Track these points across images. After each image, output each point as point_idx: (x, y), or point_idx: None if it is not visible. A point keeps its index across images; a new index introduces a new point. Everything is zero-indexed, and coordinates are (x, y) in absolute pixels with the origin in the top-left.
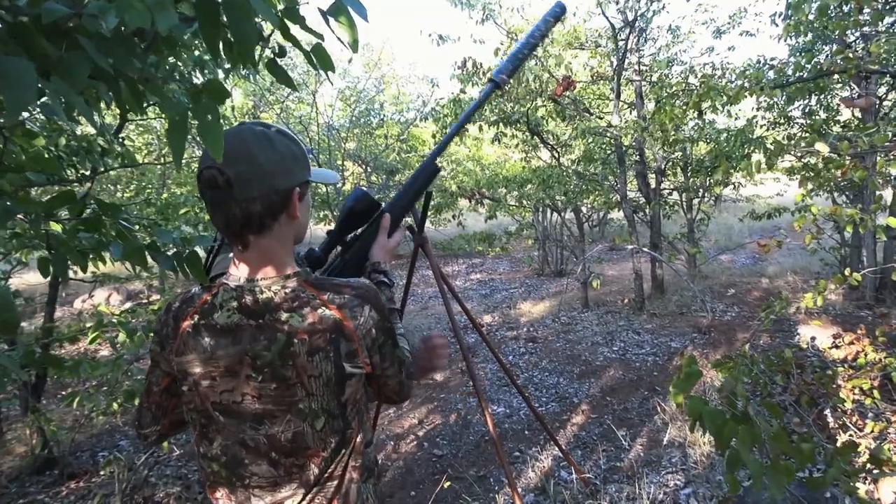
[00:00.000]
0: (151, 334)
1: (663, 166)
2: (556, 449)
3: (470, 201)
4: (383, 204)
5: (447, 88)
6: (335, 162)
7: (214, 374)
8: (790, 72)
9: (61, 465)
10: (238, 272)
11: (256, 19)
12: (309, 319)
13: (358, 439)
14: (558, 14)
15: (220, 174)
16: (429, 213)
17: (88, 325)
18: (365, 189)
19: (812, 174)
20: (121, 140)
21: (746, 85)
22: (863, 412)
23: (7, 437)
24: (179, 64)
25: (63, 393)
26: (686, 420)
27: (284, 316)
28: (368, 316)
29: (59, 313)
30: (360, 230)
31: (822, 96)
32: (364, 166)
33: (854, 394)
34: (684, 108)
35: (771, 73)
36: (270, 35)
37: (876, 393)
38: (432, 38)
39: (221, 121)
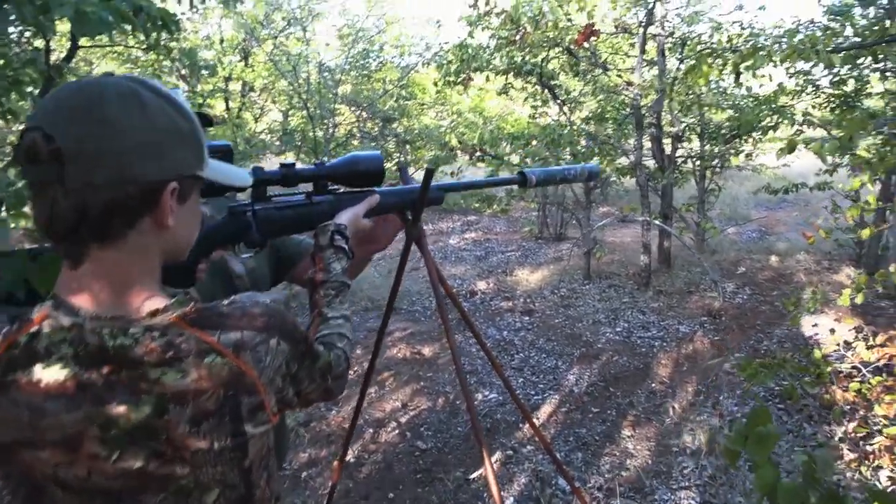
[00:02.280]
0: None
1: (681, 132)
2: (554, 450)
3: (471, 157)
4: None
5: (453, 31)
6: (327, 106)
7: (41, 446)
8: (844, 36)
9: None
10: (75, 300)
11: None
12: (192, 375)
13: (266, 496)
14: (593, 174)
15: (44, 140)
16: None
17: None
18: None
19: (876, 160)
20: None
21: (800, 47)
22: None
23: None
24: None
25: None
26: (700, 425)
27: (153, 372)
28: (277, 351)
29: None
30: (340, 189)
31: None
32: (360, 112)
33: (892, 409)
34: (721, 69)
35: (798, 37)
36: None
37: None
38: None
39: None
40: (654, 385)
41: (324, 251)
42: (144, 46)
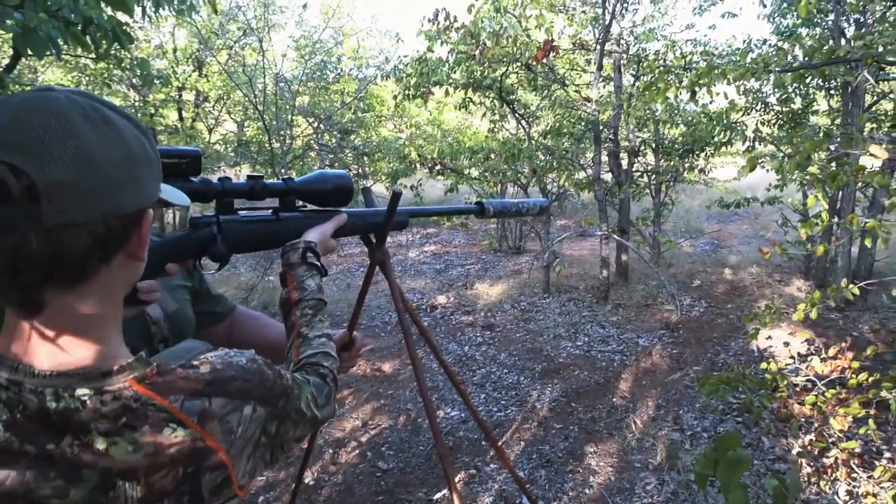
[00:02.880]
0: None
1: (637, 147)
2: (518, 468)
3: (430, 170)
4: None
5: (412, 45)
6: (283, 117)
7: None
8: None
9: None
10: (16, 352)
11: None
12: (146, 448)
13: None
14: (543, 209)
15: (13, 175)
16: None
17: None
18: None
19: (828, 179)
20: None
21: (754, 67)
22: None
23: None
24: None
25: None
26: (661, 440)
27: (101, 442)
28: (252, 419)
29: None
30: (307, 207)
31: (799, 84)
32: (317, 124)
33: (846, 422)
34: (679, 86)
35: (748, 57)
36: None
37: (871, 423)
38: None
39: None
40: (615, 399)
41: (295, 269)
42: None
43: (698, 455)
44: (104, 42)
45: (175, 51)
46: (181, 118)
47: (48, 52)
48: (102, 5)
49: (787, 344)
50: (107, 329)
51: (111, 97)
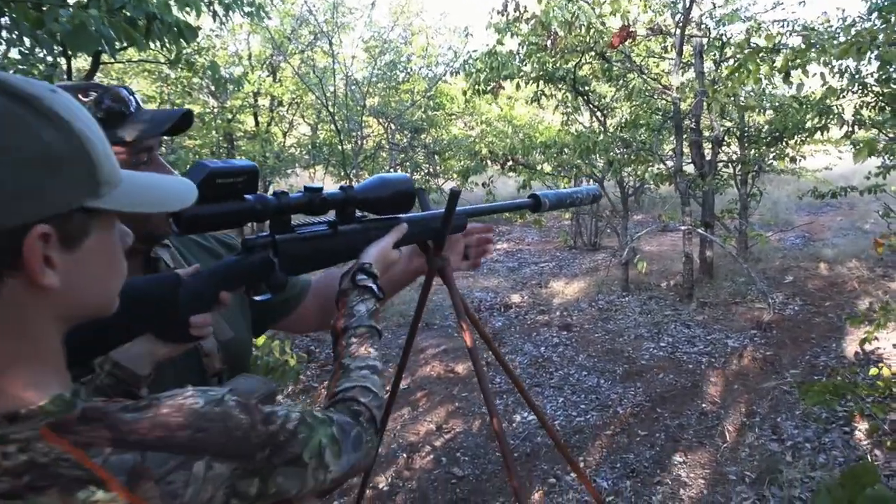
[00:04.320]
0: None
1: (721, 136)
2: (600, 478)
3: (502, 167)
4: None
5: (481, 39)
6: (355, 118)
7: None
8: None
9: None
10: None
11: None
12: None
13: None
14: (596, 197)
15: None
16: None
17: None
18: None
19: None
20: None
21: (859, 40)
22: None
23: None
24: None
25: None
26: (757, 450)
27: None
28: (207, 478)
29: None
30: (368, 216)
31: None
32: (387, 123)
33: None
34: (772, 67)
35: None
36: None
37: None
38: None
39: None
40: (704, 405)
41: (347, 294)
42: (164, 62)
43: (803, 469)
44: (168, 38)
45: (250, 57)
46: (257, 123)
47: (100, 50)
48: (171, 4)
49: None
50: (21, 365)
51: (192, 104)
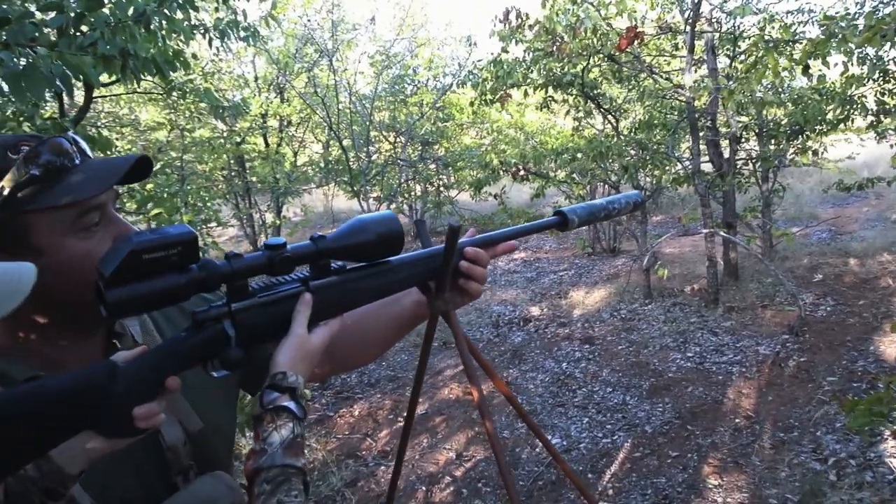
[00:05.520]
0: None
1: (739, 133)
2: None
3: (514, 177)
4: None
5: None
6: (363, 134)
7: None
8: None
9: None
10: None
11: None
12: None
13: None
14: (637, 205)
15: None
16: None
17: None
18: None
19: None
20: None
21: (882, 26)
22: None
23: None
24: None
25: None
26: (798, 470)
27: None
28: None
29: None
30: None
31: None
32: (396, 137)
33: None
34: (791, 60)
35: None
36: None
37: None
38: None
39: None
40: (737, 420)
41: (260, 422)
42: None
43: (849, 490)
44: (145, 72)
45: (256, 79)
46: (267, 144)
47: (50, 91)
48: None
49: None
50: None
51: (201, 129)
